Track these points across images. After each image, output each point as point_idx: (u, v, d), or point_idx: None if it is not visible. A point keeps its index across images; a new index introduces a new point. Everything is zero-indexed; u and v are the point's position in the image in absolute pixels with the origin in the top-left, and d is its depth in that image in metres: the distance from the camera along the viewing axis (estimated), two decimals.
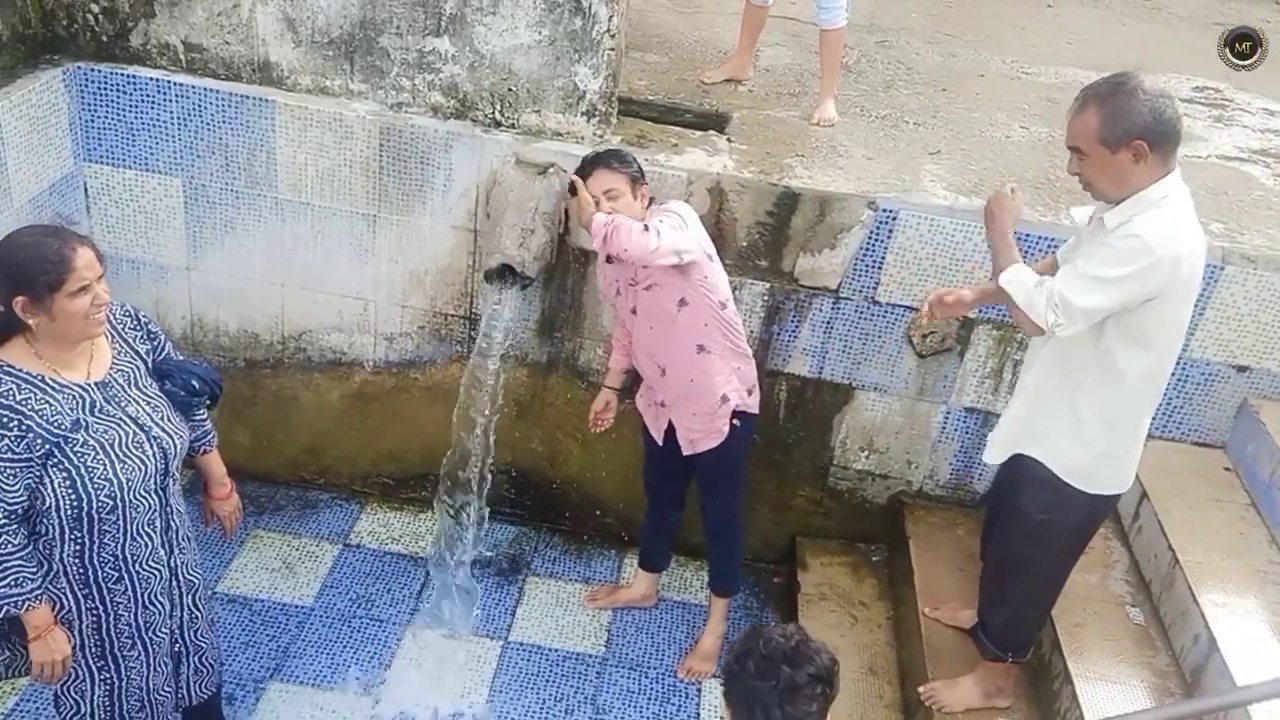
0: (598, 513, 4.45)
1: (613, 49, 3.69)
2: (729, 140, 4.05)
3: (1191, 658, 3.20)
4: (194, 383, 2.73)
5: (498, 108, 3.80)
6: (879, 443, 4.12)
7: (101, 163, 3.93)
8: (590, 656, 3.98)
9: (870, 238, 3.75)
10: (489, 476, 3.88)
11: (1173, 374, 3.78)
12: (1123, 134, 2.52)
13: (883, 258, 3.78)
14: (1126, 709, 3.02)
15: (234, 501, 3.06)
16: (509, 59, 3.72)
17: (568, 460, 4.34)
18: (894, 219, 3.72)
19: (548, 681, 3.86)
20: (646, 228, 3.14)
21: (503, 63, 3.73)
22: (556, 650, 3.99)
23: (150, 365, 2.70)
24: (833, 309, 3.88)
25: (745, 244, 3.82)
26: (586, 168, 3.37)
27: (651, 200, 3.43)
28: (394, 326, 4.15)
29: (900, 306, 3.85)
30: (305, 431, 4.44)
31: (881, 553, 4.31)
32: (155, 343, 2.74)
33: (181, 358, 2.80)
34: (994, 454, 3.12)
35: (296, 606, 4.02)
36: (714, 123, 4.25)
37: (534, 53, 3.70)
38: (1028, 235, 3.69)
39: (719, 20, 5.35)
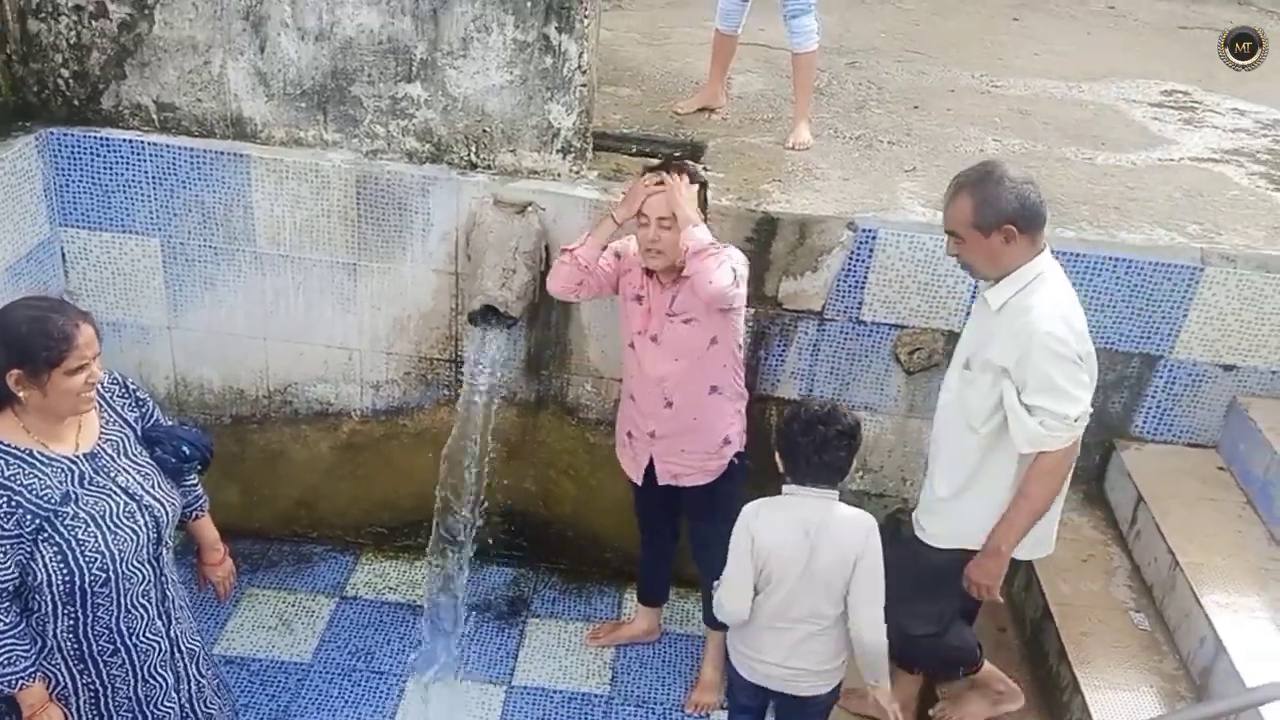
0: (595, 549, 4.42)
1: (585, 85, 3.70)
2: (706, 169, 4.05)
3: (1199, 660, 3.19)
4: (184, 449, 2.69)
5: (473, 149, 3.81)
6: (873, 462, 4.11)
7: (78, 226, 3.92)
8: (596, 696, 3.93)
9: (851, 258, 3.76)
10: (480, 519, 3.85)
11: (1161, 376, 3.85)
12: (994, 219, 2.73)
13: (865, 277, 3.79)
14: (1138, 717, 3.00)
15: (227, 566, 3.02)
16: (482, 100, 3.73)
17: (561, 498, 4.31)
18: (873, 238, 3.73)
19: None
20: (733, 272, 3.14)
21: (476, 105, 3.74)
22: (561, 691, 3.94)
23: (139, 433, 2.67)
24: (818, 331, 3.88)
25: None
26: (673, 169, 3.28)
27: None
28: (380, 374, 4.13)
29: (885, 325, 3.85)
30: (295, 485, 4.40)
31: None
32: (144, 409, 2.71)
33: (170, 423, 2.77)
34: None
35: (295, 664, 3.97)
36: (690, 153, 4.26)
37: (506, 93, 3.71)
38: None
39: (689, 51, 5.39)
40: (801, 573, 2.85)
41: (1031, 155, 4.50)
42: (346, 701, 3.84)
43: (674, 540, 3.90)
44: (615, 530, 4.28)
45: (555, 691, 3.94)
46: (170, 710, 2.75)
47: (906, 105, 4.96)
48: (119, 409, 2.64)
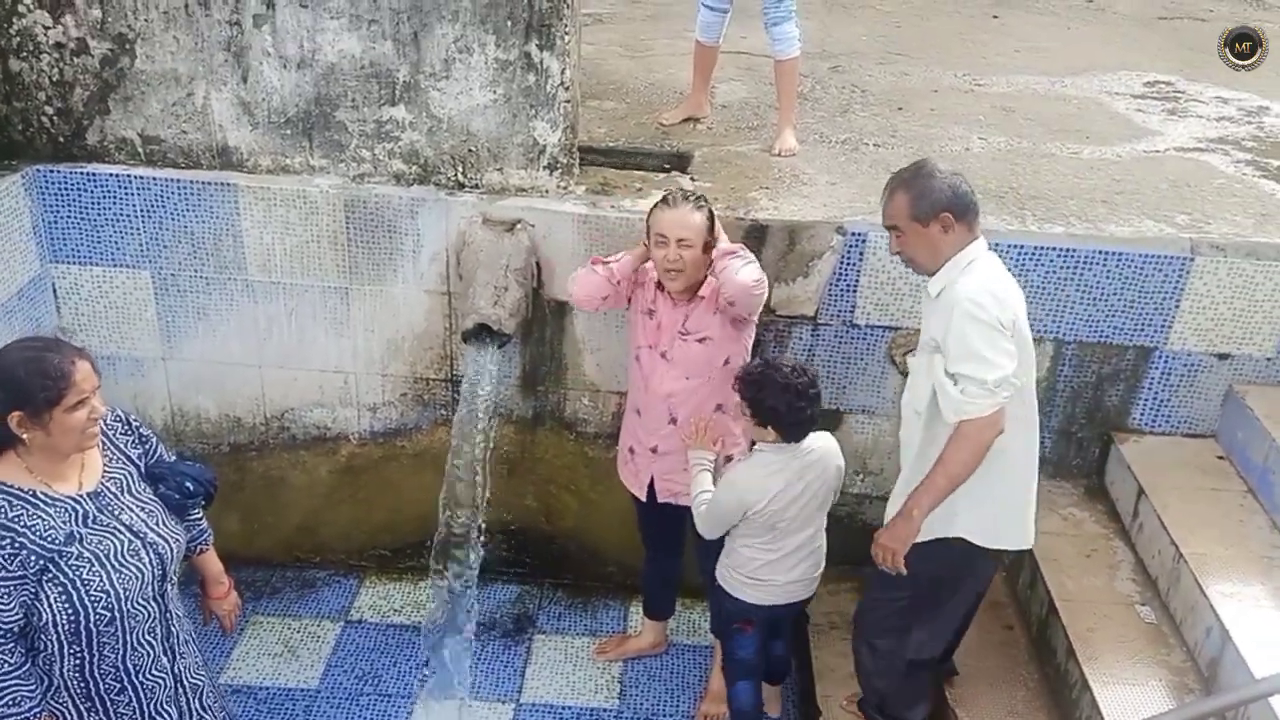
0: (598, 564, 4.41)
1: (569, 101, 3.71)
2: (693, 179, 4.07)
3: (1206, 651, 3.18)
4: (188, 484, 2.69)
5: (460, 169, 3.82)
6: (872, 464, 4.11)
7: (68, 262, 3.92)
8: (605, 710, 3.92)
9: (842, 262, 3.76)
10: (482, 538, 3.84)
11: (1156, 367, 3.86)
12: (930, 209, 2.87)
13: (856, 280, 3.79)
14: (1147, 712, 2.99)
15: (232, 599, 3.02)
16: (467, 120, 3.74)
17: (563, 514, 4.31)
18: (863, 241, 3.74)
19: None
20: (761, 273, 3.27)
21: (461, 125, 3.74)
22: (570, 707, 3.93)
23: (142, 470, 2.66)
24: (812, 336, 3.89)
25: None
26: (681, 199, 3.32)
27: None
28: (376, 396, 4.13)
29: (879, 327, 3.85)
30: (296, 510, 4.40)
31: None
32: (147, 446, 2.71)
33: (173, 458, 2.77)
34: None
35: (302, 690, 3.96)
36: (676, 163, 4.28)
37: (491, 112, 3.72)
38: (996, 245, 3.71)
39: (672, 62, 5.41)
40: (815, 508, 3.30)
41: (1017, 152, 4.51)
42: None
43: (679, 554, 3.89)
44: (618, 543, 4.28)
45: (564, 707, 3.93)
46: None
47: (890, 107, 4.97)
48: (122, 446, 2.64)
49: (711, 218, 3.29)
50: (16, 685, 2.41)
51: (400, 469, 4.25)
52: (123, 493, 2.57)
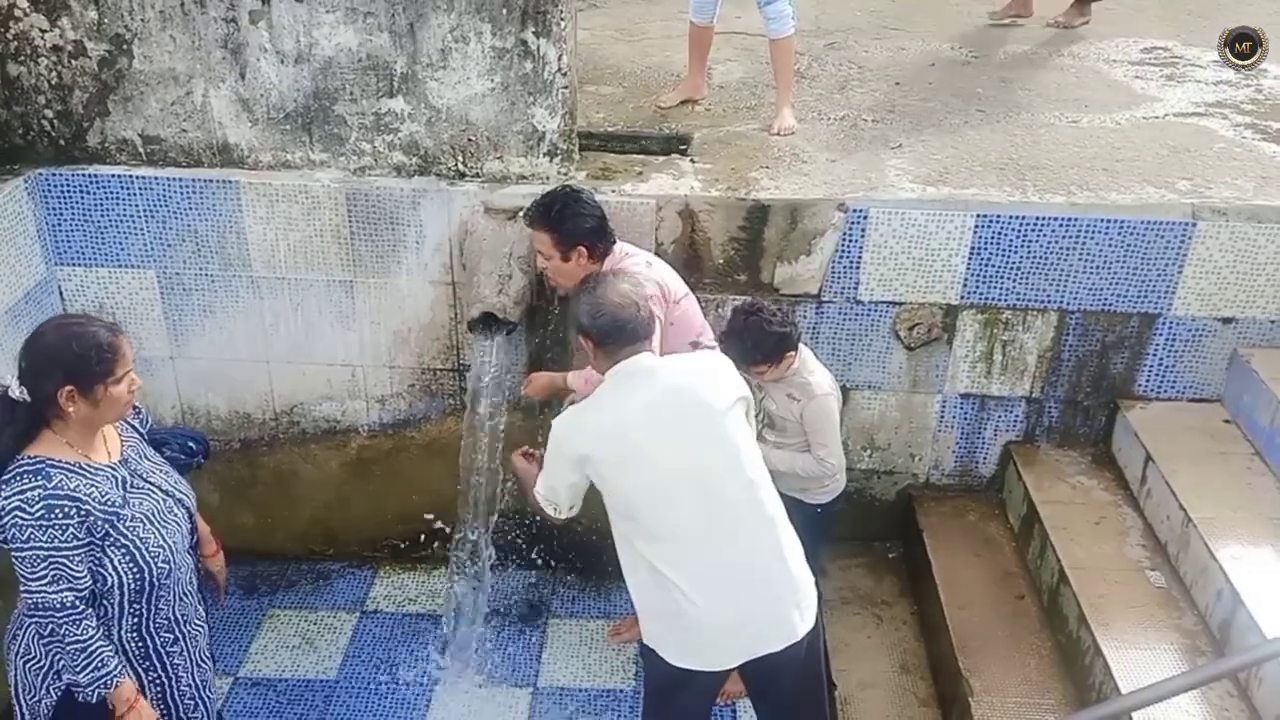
0: (610, 547, 4.41)
1: (566, 87, 3.71)
2: (693, 161, 4.07)
3: (1217, 614, 3.20)
4: (190, 444, 2.95)
5: (460, 159, 3.82)
6: (880, 440, 4.13)
7: (74, 264, 3.94)
8: (621, 692, 3.95)
9: (844, 239, 3.77)
10: (494, 524, 3.87)
11: (1160, 333, 3.86)
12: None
13: (859, 257, 3.80)
14: (1160, 676, 3.01)
15: (222, 558, 3.13)
16: (465, 110, 3.74)
17: None
18: (865, 218, 3.74)
19: None
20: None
21: (459, 114, 3.75)
22: (586, 690, 3.97)
23: (144, 437, 2.83)
24: (817, 314, 3.90)
25: (722, 261, 3.83)
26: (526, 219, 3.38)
27: (613, 243, 3.36)
28: (384, 388, 4.15)
29: (883, 303, 3.87)
30: (309, 504, 4.43)
31: (897, 549, 4.31)
32: (142, 416, 2.88)
33: (168, 425, 2.95)
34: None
35: (321, 681, 4.00)
36: (676, 145, 4.28)
37: (489, 101, 3.72)
38: (998, 216, 3.72)
39: (668, 44, 5.40)
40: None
41: (1016, 123, 4.50)
42: (375, 715, 3.86)
43: None
44: None
45: (581, 690, 3.96)
46: (216, 694, 3.00)
47: (888, 82, 4.96)
48: (127, 419, 2.79)
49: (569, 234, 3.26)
50: (100, 648, 2.54)
51: (410, 460, 4.27)
52: (141, 459, 2.74)
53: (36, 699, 2.64)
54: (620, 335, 2.77)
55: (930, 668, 3.80)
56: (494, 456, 3.78)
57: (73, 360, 2.44)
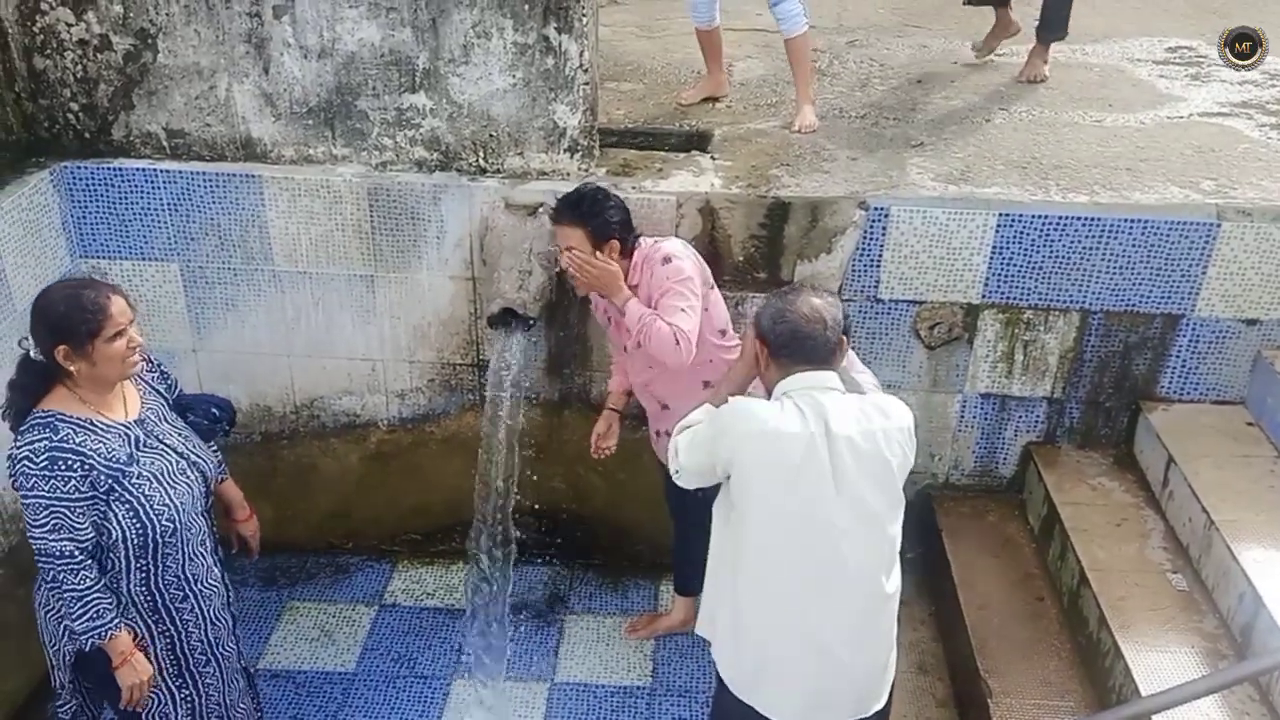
0: (628, 543, 4.44)
1: (587, 83, 3.72)
2: (713, 158, 4.07)
3: (1239, 617, 3.18)
4: (214, 410, 3.01)
5: (481, 155, 3.83)
6: None
7: (98, 257, 3.97)
8: (638, 688, 3.96)
9: (865, 237, 3.76)
10: (512, 520, 3.87)
11: (1184, 335, 3.84)
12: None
13: (880, 255, 3.79)
14: (1181, 679, 2.99)
15: (255, 522, 3.22)
16: (487, 105, 3.75)
17: (591, 495, 4.33)
18: (886, 216, 3.73)
19: (598, 719, 3.85)
20: (676, 339, 3.09)
21: (481, 110, 3.76)
22: (603, 686, 3.97)
23: (169, 402, 2.93)
24: None
25: (742, 258, 3.83)
26: (553, 218, 3.35)
27: (638, 237, 3.35)
28: (404, 383, 4.16)
29: (904, 302, 3.85)
30: (328, 497, 4.45)
31: (916, 549, 4.28)
32: (169, 382, 2.99)
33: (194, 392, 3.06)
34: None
35: (340, 674, 4.02)
36: (696, 143, 4.27)
37: (510, 96, 3.73)
38: (1020, 215, 3.71)
39: (689, 41, 5.36)
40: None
41: (1039, 121, 4.48)
42: (393, 708, 3.88)
43: (707, 528, 3.90)
44: (647, 523, 4.30)
45: (598, 686, 3.97)
46: (231, 651, 3.04)
47: (909, 80, 4.94)
48: (150, 382, 2.90)
49: (600, 227, 3.24)
50: (97, 599, 2.63)
51: (430, 454, 4.29)
52: (160, 421, 2.83)
53: (57, 647, 2.78)
54: (798, 350, 2.58)
55: (948, 668, 3.79)
56: (512, 452, 3.79)
57: (58, 320, 2.55)
